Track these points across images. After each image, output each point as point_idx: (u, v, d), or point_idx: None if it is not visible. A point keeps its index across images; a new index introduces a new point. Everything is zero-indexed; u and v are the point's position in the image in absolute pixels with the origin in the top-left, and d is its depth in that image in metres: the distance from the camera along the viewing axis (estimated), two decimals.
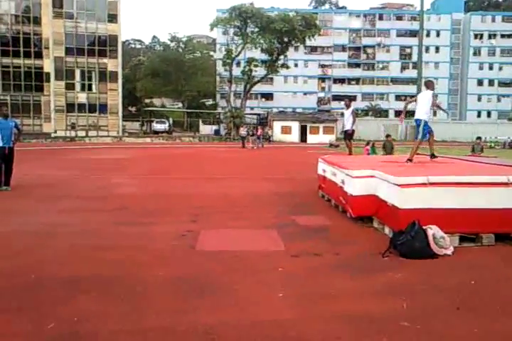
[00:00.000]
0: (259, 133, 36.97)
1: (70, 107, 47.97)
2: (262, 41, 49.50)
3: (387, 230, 6.43)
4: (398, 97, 69.92)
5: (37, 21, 48.02)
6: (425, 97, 8.64)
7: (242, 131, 36.38)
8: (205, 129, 56.28)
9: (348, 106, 12.03)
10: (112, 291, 4.27)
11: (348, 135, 12.00)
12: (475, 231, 5.92)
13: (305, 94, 70.27)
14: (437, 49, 69.84)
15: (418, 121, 8.67)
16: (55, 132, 46.53)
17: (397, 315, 3.77)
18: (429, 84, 8.86)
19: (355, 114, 11.86)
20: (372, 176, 7.04)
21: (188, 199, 9.81)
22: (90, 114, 48.47)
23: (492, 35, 71.76)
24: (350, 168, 7.60)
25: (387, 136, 18.58)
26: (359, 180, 7.22)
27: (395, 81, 69.94)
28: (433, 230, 5.48)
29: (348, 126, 11.89)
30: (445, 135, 49.06)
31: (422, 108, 8.59)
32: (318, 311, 3.87)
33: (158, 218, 7.69)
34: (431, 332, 3.47)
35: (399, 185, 5.98)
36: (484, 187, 5.98)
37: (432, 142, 9.07)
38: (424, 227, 5.50)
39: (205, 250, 5.72)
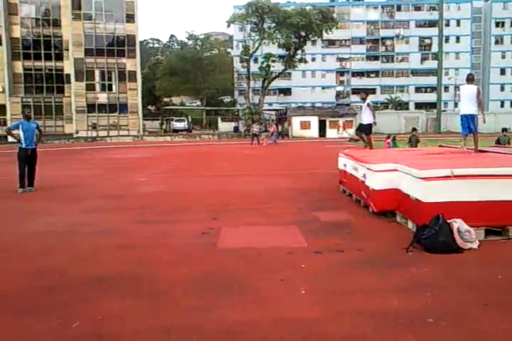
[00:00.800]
0: (272, 129, 36.51)
1: (91, 108, 48.51)
2: (279, 36, 49.31)
3: (410, 224, 6.34)
4: (418, 89, 69.05)
5: (57, 23, 48.68)
6: (471, 91, 8.63)
7: (255, 128, 35.47)
8: (224, 126, 56.35)
9: (364, 99, 11.63)
10: (135, 290, 4.30)
11: (366, 129, 11.50)
12: (501, 225, 5.79)
13: (323, 88, 69.85)
14: (458, 39, 68.64)
15: (469, 117, 8.69)
16: (77, 133, 47.16)
17: (422, 311, 3.70)
18: (471, 78, 8.86)
19: (372, 106, 11.35)
20: (394, 170, 6.94)
21: (208, 196, 9.83)
22: (111, 114, 48.94)
23: None
24: (371, 162, 7.51)
25: (413, 129, 18.28)
26: (381, 174, 7.12)
27: (415, 73, 69.01)
28: (458, 224, 5.38)
29: (364, 120, 11.43)
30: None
31: (470, 102, 8.61)
32: (342, 308, 3.82)
33: (180, 216, 7.73)
34: (458, 328, 3.40)
35: (422, 178, 5.88)
36: (511, 179, 5.84)
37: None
38: (448, 221, 5.40)
39: (227, 247, 5.72)
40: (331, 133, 45.61)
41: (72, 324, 3.55)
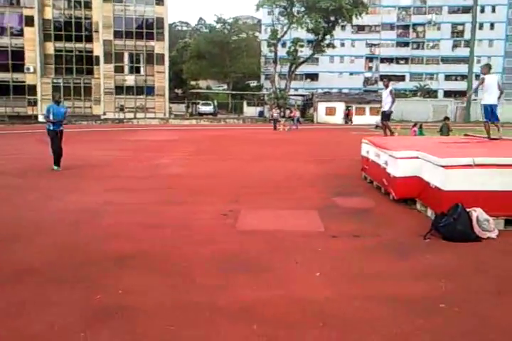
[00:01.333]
0: (293, 114, 35.76)
1: (119, 89, 48.88)
2: (307, 21, 48.53)
3: (429, 212, 6.35)
4: (448, 77, 67.48)
5: (87, 5, 48.99)
6: (494, 81, 8.90)
7: (274, 113, 34.99)
8: (250, 111, 56.17)
9: (386, 86, 11.86)
10: (156, 267, 4.46)
11: (386, 116, 11.78)
12: None
13: (351, 74, 68.86)
14: (492, 25, 66.49)
15: (493, 107, 9.02)
16: (105, 114, 47.72)
17: (435, 296, 3.75)
18: (491, 67, 9.11)
19: (394, 94, 11.61)
20: (415, 157, 6.93)
21: (230, 179, 9.96)
22: (138, 96, 49.26)
23: None
24: (393, 149, 7.49)
25: (445, 118, 17.97)
26: (402, 161, 7.12)
27: (445, 60, 67.31)
28: (477, 212, 5.37)
29: (385, 107, 11.69)
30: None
31: (494, 92, 8.91)
32: (355, 291, 3.90)
33: (202, 197, 7.87)
34: (470, 314, 3.44)
35: (443, 166, 5.86)
36: None
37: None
38: (467, 210, 5.40)
39: (246, 229, 5.84)
40: (356, 119, 45.12)
41: (94, 296, 3.73)
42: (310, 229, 5.83)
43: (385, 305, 3.61)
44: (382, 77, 66.65)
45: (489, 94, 8.91)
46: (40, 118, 45.51)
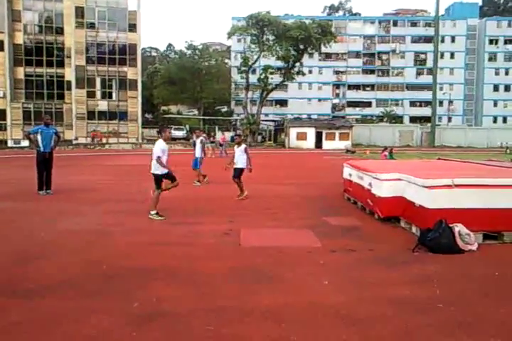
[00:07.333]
0: (221, 139, 33.29)
1: (91, 115, 48.99)
2: (278, 49, 50.15)
3: (414, 229, 6.97)
4: (413, 103, 70.19)
5: (59, 31, 49.33)
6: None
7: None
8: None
9: (238, 143, 11.61)
10: (178, 279, 4.88)
11: (240, 173, 11.30)
12: (497, 230, 6.44)
13: (319, 100, 70.83)
14: (452, 55, 70.01)
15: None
16: (76, 139, 47.54)
17: (432, 298, 4.32)
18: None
19: (248, 152, 11.37)
20: (399, 179, 7.58)
21: (219, 201, 10.43)
22: (110, 121, 49.41)
23: (508, 41, 71.67)
24: (378, 172, 8.14)
25: None
26: (387, 183, 7.76)
27: (410, 87, 70.19)
28: (459, 227, 6.02)
29: (241, 165, 11.32)
30: (460, 141, 49.11)
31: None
32: (361, 295, 4.42)
33: (200, 218, 8.31)
34: (464, 312, 4.02)
35: (426, 187, 6.52)
36: (506, 188, 6.49)
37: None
38: (450, 225, 6.03)
39: (250, 246, 6.32)
40: (327, 144, 46.31)
41: (132, 304, 4.13)
42: (309, 245, 6.35)
43: (390, 306, 4.14)
44: (349, 104, 69.18)
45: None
46: (10, 143, 45.14)
